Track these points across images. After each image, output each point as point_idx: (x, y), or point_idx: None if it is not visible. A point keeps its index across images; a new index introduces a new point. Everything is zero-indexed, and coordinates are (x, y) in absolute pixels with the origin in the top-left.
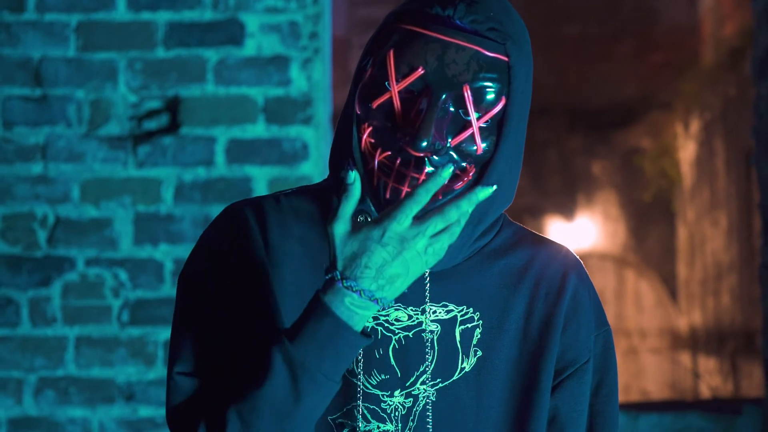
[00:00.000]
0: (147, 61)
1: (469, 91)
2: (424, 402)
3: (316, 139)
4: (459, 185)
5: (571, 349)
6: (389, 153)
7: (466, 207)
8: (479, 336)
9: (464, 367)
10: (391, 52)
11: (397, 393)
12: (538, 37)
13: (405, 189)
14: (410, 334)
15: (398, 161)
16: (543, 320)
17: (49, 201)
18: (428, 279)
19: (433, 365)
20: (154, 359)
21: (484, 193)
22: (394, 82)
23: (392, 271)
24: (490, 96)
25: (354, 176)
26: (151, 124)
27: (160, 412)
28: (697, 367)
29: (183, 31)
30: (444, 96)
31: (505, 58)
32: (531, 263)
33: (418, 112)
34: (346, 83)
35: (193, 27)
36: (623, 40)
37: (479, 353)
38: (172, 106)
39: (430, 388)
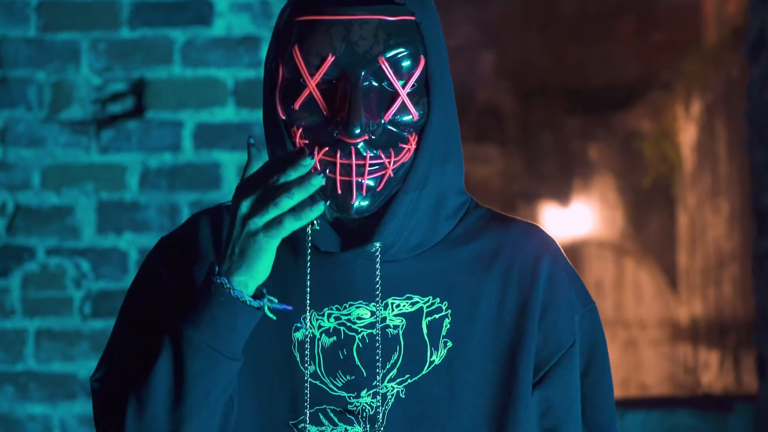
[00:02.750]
0: (111, 42)
1: (385, 63)
2: (392, 400)
3: None
4: (406, 157)
5: (553, 336)
6: (327, 148)
7: (299, 196)
8: (448, 326)
9: (434, 360)
10: (296, 48)
11: (363, 393)
12: (535, 15)
13: (354, 179)
14: (374, 332)
15: (338, 153)
16: (518, 307)
17: (8, 188)
18: (379, 272)
19: (399, 361)
20: None
21: (317, 180)
22: (309, 77)
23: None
24: (408, 60)
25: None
26: (115, 108)
27: None
28: (697, 360)
29: (149, 10)
30: (362, 75)
31: (411, 17)
32: (501, 247)
33: (343, 99)
34: None
35: (160, 6)
36: (623, 19)
37: (449, 344)
38: (138, 89)
39: (397, 386)
